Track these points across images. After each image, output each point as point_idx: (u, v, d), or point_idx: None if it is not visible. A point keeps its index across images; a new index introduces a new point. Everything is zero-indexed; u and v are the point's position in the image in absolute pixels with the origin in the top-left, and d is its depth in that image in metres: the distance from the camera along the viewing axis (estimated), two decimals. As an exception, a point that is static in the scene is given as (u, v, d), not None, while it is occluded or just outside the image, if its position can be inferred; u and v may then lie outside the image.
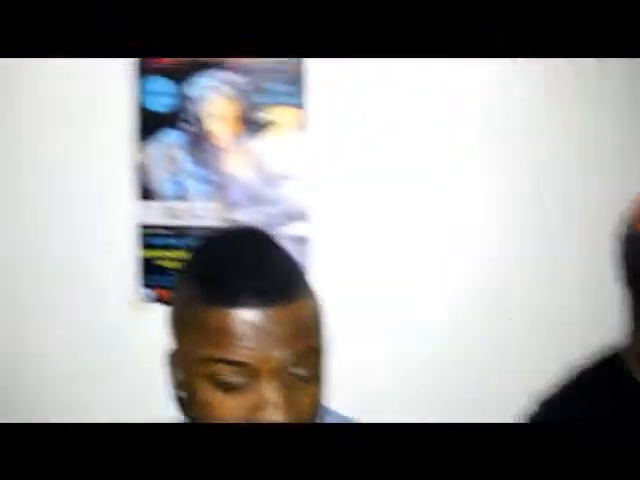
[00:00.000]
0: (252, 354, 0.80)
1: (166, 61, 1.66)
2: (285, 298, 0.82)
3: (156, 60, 1.66)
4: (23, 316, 1.74)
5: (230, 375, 0.81)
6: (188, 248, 0.93)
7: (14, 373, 1.75)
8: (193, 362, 0.83)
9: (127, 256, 1.71)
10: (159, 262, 1.70)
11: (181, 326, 0.86)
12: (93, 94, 1.69)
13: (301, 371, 0.82)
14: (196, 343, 0.82)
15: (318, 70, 1.63)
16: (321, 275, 1.63)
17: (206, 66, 1.66)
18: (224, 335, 0.80)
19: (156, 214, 1.70)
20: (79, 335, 1.72)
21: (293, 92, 1.65)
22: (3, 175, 1.74)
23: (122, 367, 1.69)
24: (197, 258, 0.88)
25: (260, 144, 1.68)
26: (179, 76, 1.67)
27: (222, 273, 0.82)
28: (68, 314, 1.73)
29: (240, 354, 0.80)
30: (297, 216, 1.68)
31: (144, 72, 1.68)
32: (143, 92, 1.69)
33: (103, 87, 1.68)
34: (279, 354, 0.80)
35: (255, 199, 1.69)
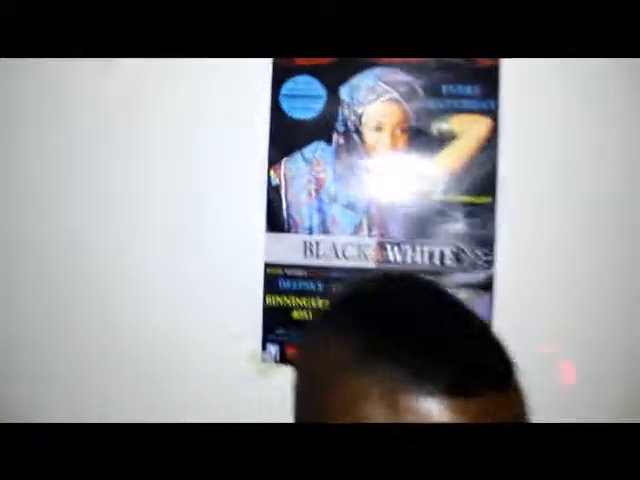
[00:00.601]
0: None
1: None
2: (512, 375, 0.62)
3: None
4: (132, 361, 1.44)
5: None
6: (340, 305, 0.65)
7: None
8: None
9: (250, 301, 1.37)
10: (289, 311, 1.35)
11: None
12: (226, 94, 1.38)
13: None
14: None
15: (515, 66, 1.28)
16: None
17: (364, 62, 1.33)
18: None
19: (289, 250, 1.35)
20: (188, 396, 1.39)
21: (481, 95, 1.30)
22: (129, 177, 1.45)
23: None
24: (375, 327, 0.63)
25: (430, 162, 1.31)
26: (329, 75, 1.34)
27: (432, 352, 0.60)
28: (178, 365, 1.41)
29: None
30: (477, 257, 1.30)
31: (285, 71, 1.35)
32: (283, 95, 1.36)
33: (238, 88, 1.37)
34: None
35: (420, 233, 1.32)
